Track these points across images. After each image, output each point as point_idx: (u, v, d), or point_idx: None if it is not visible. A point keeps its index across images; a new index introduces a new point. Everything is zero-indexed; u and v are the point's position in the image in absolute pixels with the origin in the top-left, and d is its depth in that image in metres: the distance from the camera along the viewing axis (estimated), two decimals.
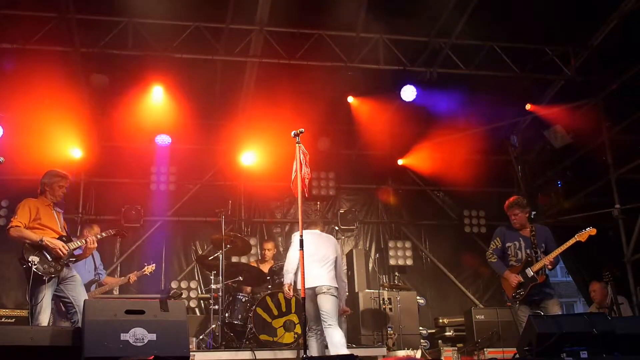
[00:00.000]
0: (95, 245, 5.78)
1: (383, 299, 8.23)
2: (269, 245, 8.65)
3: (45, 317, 5.27)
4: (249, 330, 7.10)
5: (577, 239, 5.94)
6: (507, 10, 7.89)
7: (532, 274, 6.03)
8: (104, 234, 5.97)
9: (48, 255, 5.37)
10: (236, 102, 9.43)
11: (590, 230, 5.91)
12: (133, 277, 7.65)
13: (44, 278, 5.26)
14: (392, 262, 10.34)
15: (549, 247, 6.16)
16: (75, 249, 5.63)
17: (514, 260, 6.25)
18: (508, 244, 6.32)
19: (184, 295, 9.33)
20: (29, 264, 5.21)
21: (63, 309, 5.79)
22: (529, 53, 8.85)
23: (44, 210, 5.56)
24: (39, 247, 5.35)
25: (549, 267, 6.02)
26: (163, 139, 9.64)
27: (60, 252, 5.39)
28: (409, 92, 8.93)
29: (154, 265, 7.85)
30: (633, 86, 8.48)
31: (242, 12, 7.86)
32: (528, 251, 6.17)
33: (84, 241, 5.71)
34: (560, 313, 6.06)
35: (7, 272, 8.69)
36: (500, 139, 10.88)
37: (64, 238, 5.57)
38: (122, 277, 7.82)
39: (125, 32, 7.97)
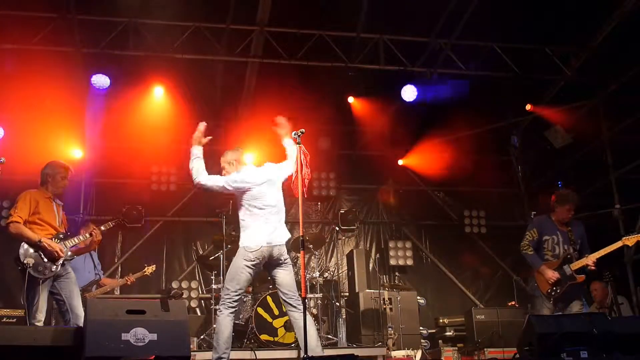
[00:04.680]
0: (99, 238, 5.80)
1: (383, 299, 8.23)
2: None
3: (41, 316, 5.25)
4: (250, 330, 7.11)
5: (625, 243, 5.66)
6: (507, 10, 7.89)
7: (571, 272, 5.72)
8: (102, 228, 5.90)
9: (44, 257, 5.32)
10: (237, 103, 9.44)
11: (639, 236, 5.63)
12: (131, 278, 7.66)
13: (39, 280, 5.24)
14: (392, 262, 10.32)
15: (582, 245, 5.90)
16: (72, 247, 5.58)
17: (550, 255, 5.90)
18: (545, 237, 5.93)
19: (184, 295, 9.34)
20: (24, 266, 5.19)
21: (55, 306, 5.77)
22: (529, 53, 8.85)
23: (43, 203, 5.48)
24: (35, 247, 5.29)
25: (592, 267, 5.71)
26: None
27: (57, 255, 5.34)
28: (409, 92, 8.85)
29: (154, 266, 7.86)
30: (633, 86, 8.49)
31: (243, 13, 7.88)
32: (566, 247, 5.85)
33: (81, 238, 5.65)
34: None
35: (7, 273, 8.69)
36: (500, 139, 10.89)
37: (61, 235, 5.52)
38: (121, 279, 7.81)
39: (126, 32, 7.99)
